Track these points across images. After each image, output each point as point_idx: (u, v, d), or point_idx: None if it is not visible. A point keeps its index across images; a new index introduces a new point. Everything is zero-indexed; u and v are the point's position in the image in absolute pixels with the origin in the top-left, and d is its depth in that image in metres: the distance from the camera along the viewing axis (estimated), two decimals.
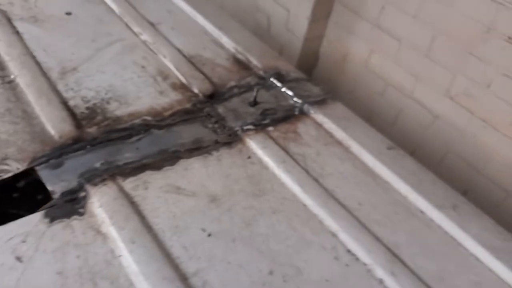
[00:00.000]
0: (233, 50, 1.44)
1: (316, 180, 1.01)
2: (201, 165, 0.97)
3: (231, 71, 1.33)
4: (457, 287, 0.86)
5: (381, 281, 0.83)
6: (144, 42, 1.34)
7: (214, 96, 1.20)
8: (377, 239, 0.91)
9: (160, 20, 1.48)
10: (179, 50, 1.35)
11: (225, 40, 1.47)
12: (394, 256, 0.87)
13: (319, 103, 1.29)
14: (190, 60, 1.32)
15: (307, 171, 1.03)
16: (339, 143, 1.17)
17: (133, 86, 1.16)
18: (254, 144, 1.06)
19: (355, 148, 1.15)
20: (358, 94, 2.37)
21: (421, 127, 2.11)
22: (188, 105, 1.14)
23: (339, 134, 1.18)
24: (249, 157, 1.03)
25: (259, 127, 1.13)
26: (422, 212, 1.01)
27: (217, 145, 1.04)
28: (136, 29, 1.38)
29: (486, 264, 0.92)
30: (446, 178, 2.04)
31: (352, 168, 1.09)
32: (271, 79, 1.34)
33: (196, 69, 1.28)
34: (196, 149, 1.01)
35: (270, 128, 1.14)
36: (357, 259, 0.86)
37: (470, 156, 1.91)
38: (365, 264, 0.85)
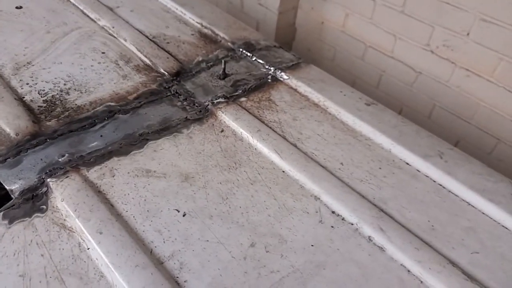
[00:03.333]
0: (198, 25, 1.38)
1: (294, 145, 0.97)
2: (171, 145, 0.92)
3: (197, 46, 1.27)
4: (450, 235, 0.82)
5: (369, 239, 0.79)
6: (102, 28, 1.27)
7: (181, 73, 1.14)
8: (362, 196, 0.87)
9: (118, 3, 1.40)
10: (140, 32, 1.28)
11: (188, 16, 1.40)
12: (381, 212, 0.84)
13: (292, 68, 1.23)
14: (153, 40, 1.25)
15: (284, 137, 0.98)
16: (315, 105, 1.12)
17: (93, 73, 1.10)
18: (227, 117, 1.01)
19: (333, 108, 1.10)
20: (339, 61, 2.33)
21: (405, 86, 2.08)
22: (154, 86, 1.08)
23: (315, 96, 1.13)
24: (222, 131, 0.98)
25: (231, 99, 1.08)
26: (407, 163, 0.97)
27: (187, 122, 0.99)
28: (93, 15, 1.31)
29: (478, 208, 0.89)
30: (435, 132, 2.02)
31: (331, 129, 1.04)
32: (240, 49, 1.28)
33: (159, 49, 1.21)
34: (165, 129, 0.96)
35: (243, 99, 1.09)
36: (343, 219, 0.82)
37: (457, 108, 1.89)
38: (351, 224, 0.81)
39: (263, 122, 1.02)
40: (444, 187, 0.93)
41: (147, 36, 1.27)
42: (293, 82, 1.17)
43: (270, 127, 1.01)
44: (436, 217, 0.85)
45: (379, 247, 0.78)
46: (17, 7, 1.30)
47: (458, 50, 1.70)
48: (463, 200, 0.90)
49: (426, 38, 1.77)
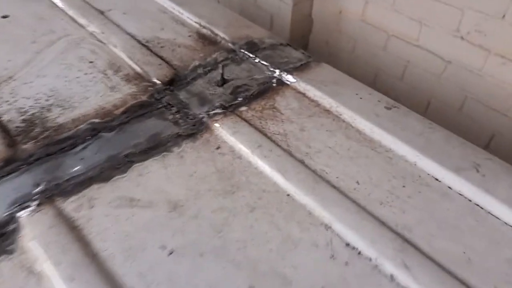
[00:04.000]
0: (196, 25, 1.26)
1: (301, 162, 0.84)
2: (159, 167, 0.81)
3: (194, 49, 1.15)
4: (490, 269, 0.68)
5: (392, 277, 0.66)
6: (92, 34, 1.17)
7: (175, 81, 1.03)
8: (383, 223, 0.73)
9: (110, 6, 1.30)
10: (132, 36, 1.17)
11: (186, 16, 1.29)
12: (405, 243, 0.70)
13: (300, 69, 1.10)
14: (146, 45, 1.14)
15: (289, 153, 0.86)
16: (327, 111, 0.98)
17: (79, 86, 1.00)
18: (224, 131, 0.89)
19: (347, 115, 0.96)
20: (359, 53, 2.17)
21: (433, 77, 1.92)
22: (144, 97, 0.97)
23: (326, 101, 0.99)
24: (218, 147, 0.86)
25: (229, 109, 0.95)
26: (436, 179, 0.82)
27: (179, 139, 0.87)
28: (82, 21, 1.21)
29: None
30: (468, 127, 1.82)
31: (345, 140, 0.90)
32: (242, 50, 1.15)
33: (152, 54, 1.10)
34: (153, 147, 0.84)
35: (243, 108, 0.96)
36: (359, 253, 0.69)
37: (492, 99, 1.71)
38: (369, 259, 0.68)
39: (265, 135, 0.89)
40: (481, 208, 0.78)
41: (139, 41, 1.16)
42: (301, 86, 1.04)
43: (274, 141, 0.88)
44: (472, 247, 0.71)
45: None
46: (3, 17, 1.21)
47: (492, 35, 1.54)
48: (506, 223, 0.75)
49: (456, 23, 1.60)
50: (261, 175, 0.81)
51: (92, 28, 1.18)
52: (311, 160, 0.85)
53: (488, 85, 1.68)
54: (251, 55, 1.13)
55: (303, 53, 1.19)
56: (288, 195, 0.78)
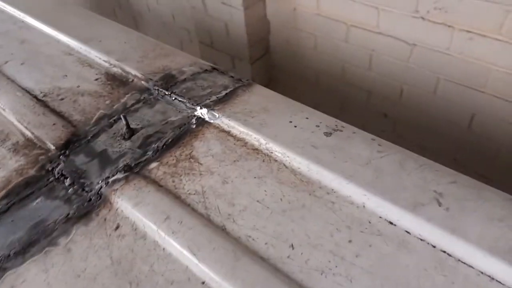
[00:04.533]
0: (105, 64, 1.08)
1: (222, 229, 0.67)
2: (39, 271, 0.64)
3: (100, 96, 0.98)
4: None
5: None
6: None
7: (72, 142, 0.85)
8: None
9: (7, 57, 1.13)
10: (28, 91, 1.00)
11: (94, 55, 1.11)
12: None
13: (225, 100, 0.93)
14: (42, 100, 0.97)
15: (208, 219, 0.69)
16: (255, 151, 0.81)
17: None
18: (124, 203, 0.72)
19: (279, 151, 0.79)
20: (321, 48, 2.03)
21: (401, 62, 1.77)
22: (32, 171, 0.80)
23: (254, 137, 0.82)
24: (117, 228, 0.69)
25: (136, 169, 0.78)
26: (390, 223, 0.66)
27: (68, 223, 0.70)
28: None
29: (508, 284, 0.57)
30: (446, 109, 1.67)
31: (277, 187, 0.73)
32: (156, 88, 0.98)
33: (47, 112, 0.93)
34: (34, 243, 0.67)
35: (153, 165, 0.79)
36: None
37: (465, 77, 1.58)
38: None
39: (179, 198, 0.72)
40: (449, 255, 0.61)
41: (35, 96, 0.98)
42: (225, 122, 0.87)
43: (189, 204, 0.71)
44: None
45: None
46: None
47: (453, 11, 1.43)
48: (482, 272, 0.59)
49: (414, 3, 1.50)
50: (169, 259, 0.64)
51: None
52: (234, 224, 0.68)
53: (458, 63, 1.55)
54: (166, 92, 0.96)
55: (231, 76, 1.02)
56: (203, 283, 0.61)
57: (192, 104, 0.92)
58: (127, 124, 0.85)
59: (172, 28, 2.63)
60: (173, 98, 0.95)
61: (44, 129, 0.88)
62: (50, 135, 0.86)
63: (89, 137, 0.86)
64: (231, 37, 2.17)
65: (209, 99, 0.93)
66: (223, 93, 0.95)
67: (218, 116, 0.88)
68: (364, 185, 0.70)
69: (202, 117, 0.90)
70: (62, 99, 0.97)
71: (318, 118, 0.87)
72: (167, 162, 0.80)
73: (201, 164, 0.79)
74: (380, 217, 0.67)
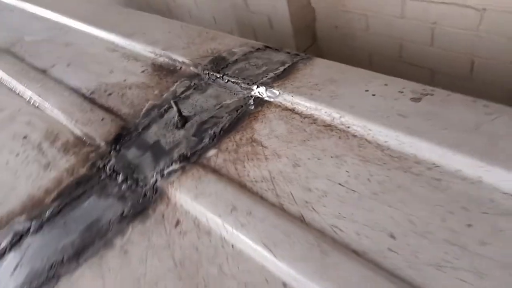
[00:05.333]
0: (151, 56, 1.01)
1: (300, 220, 0.55)
2: (95, 276, 0.55)
3: (148, 86, 0.90)
4: None
5: None
6: (28, 102, 0.96)
7: (123, 136, 0.78)
8: None
9: (54, 61, 1.09)
10: (74, 91, 0.95)
11: (138, 48, 1.05)
12: None
13: (284, 75, 0.81)
14: (90, 98, 0.91)
15: (281, 207, 0.57)
16: (328, 127, 0.68)
17: (8, 174, 0.78)
18: (184, 196, 0.62)
19: (358, 125, 0.66)
20: (375, 28, 1.87)
21: (469, 31, 1.58)
22: (83, 170, 0.73)
23: (325, 111, 0.70)
24: (177, 224, 0.59)
25: (193, 158, 0.69)
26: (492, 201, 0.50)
27: (123, 222, 0.61)
28: (19, 88, 1.01)
29: None
30: None
31: (362, 166, 0.60)
32: (206, 72, 0.89)
33: (96, 108, 0.87)
34: (87, 246, 0.59)
35: (211, 152, 0.69)
36: None
37: None
38: None
39: (245, 186, 0.61)
40: None
41: (83, 94, 0.93)
42: (288, 99, 0.75)
43: (256, 193, 0.60)
44: None
45: None
46: None
47: None
48: None
49: None
50: (240, 257, 0.53)
51: (29, 93, 0.97)
52: (314, 212, 0.55)
53: None
54: (218, 75, 0.86)
55: (288, 52, 0.90)
56: (284, 285, 0.49)
57: (248, 84, 0.81)
58: (179, 111, 0.76)
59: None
60: (226, 81, 0.85)
61: (92, 126, 0.81)
62: (99, 131, 0.79)
63: (140, 130, 0.78)
64: (276, 30, 2.07)
65: (266, 76, 0.82)
66: (281, 69, 0.84)
67: (279, 93, 0.77)
68: (478, 155, 0.55)
69: (260, 96, 0.79)
70: (109, 94, 0.91)
71: (399, 84, 0.72)
72: (227, 148, 0.69)
73: (265, 147, 0.68)
74: (505, 192, 0.52)
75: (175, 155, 0.70)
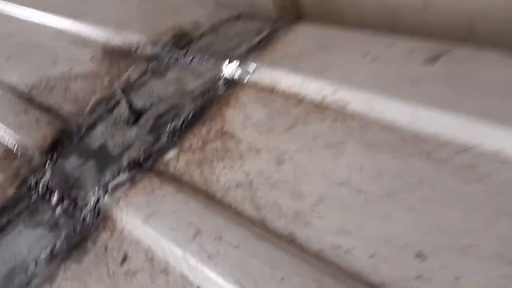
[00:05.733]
0: (102, 39, 0.84)
1: (289, 241, 0.39)
2: None
3: (96, 76, 0.74)
4: None
5: None
6: None
7: (61, 142, 0.62)
8: None
9: None
10: (10, 89, 0.78)
11: (88, 31, 0.87)
12: None
13: (262, 46, 0.64)
14: (27, 96, 0.75)
15: (262, 224, 0.41)
16: (319, 108, 0.52)
17: None
18: (133, 217, 0.46)
19: (358, 101, 0.49)
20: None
21: None
22: (11, 191, 0.57)
23: (315, 86, 0.53)
24: (124, 259, 0.43)
25: (145, 164, 0.53)
26: None
27: (53, 263, 0.46)
28: None
29: None
30: None
31: (367, 155, 0.44)
32: (164, 51, 0.72)
33: (32, 108, 0.70)
34: None
35: (170, 154, 0.53)
36: None
37: None
38: None
39: (213, 197, 0.46)
40: None
41: (20, 92, 0.76)
42: (265, 75, 0.59)
43: (229, 206, 0.44)
44: None
45: None
46: None
47: None
48: None
49: None
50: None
51: None
52: (308, 227, 0.40)
53: None
54: (179, 54, 0.70)
55: (265, 20, 0.73)
56: None
57: (216, 61, 0.65)
58: (129, 104, 0.60)
59: None
60: (190, 59, 0.68)
61: (25, 131, 0.65)
62: (33, 138, 0.63)
63: (83, 131, 0.62)
64: (257, 9, 1.87)
65: (239, 49, 0.65)
66: (257, 39, 0.67)
67: (255, 68, 0.60)
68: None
69: (231, 75, 0.62)
70: (51, 89, 0.74)
71: (406, 44, 0.56)
72: (190, 147, 0.53)
73: (239, 140, 0.52)
74: None
75: (124, 161, 0.54)
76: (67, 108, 0.68)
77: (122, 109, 0.62)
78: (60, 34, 0.92)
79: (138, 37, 0.78)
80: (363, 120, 0.49)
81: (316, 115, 0.51)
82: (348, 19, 1.81)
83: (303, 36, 0.65)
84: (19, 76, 0.81)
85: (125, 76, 0.71)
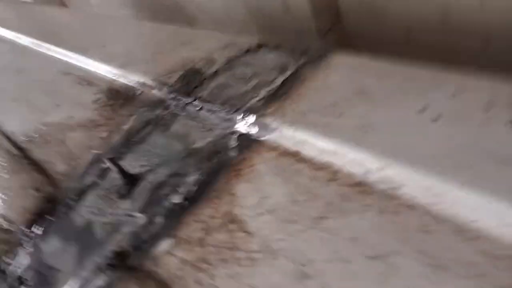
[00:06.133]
0: (107, 77, 0.74)
1: None
2: None
3: (96, 125, 0.64)
4: None
5: None
6: None
7: (45, 214, 0.52)
8: None
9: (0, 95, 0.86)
10: (7, 139, 0.70)
11: (94, 68, 0.78)
12: None
13: (285, 91, 0.51)
14: (22, 149, 0.66)
15: None
16: (359, 188, 0.38)
17: None
18: None
19: (414, 184, 0.35)
20: None
21: None
22: None
23: (352, 156, 0.39)
24: None
25: (133, 260, 0.41)
26: None
27: None
28: None
29: None
30: None
31: (420, 275, 0.30)
32: (172, 95, 0.61)
33: (23, 166, 0.61)
34: None
35: (164, 245, 0.41)
36: None
37: None
38: None
39: None
40: None
41: (15, 143, 0.68)
42: (289, 135, 0.45)
43: None
44: None
45: None
46: None
47: None
48: None
49: None
50: None
51: None
52: None
53: None
54: (187, 100, 0.58)
55: (291, 50, 0.60)
56: None
57: (229, 112, 0.52)
58: (122, 174, 0.49)
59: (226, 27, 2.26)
60: (198, 108, 0.56)
61: (7, 200, 0.56)
62: (14, 209, 0.54)
63: (71, 201, 0.52)
64: (292, 12, 1.73)
65: (256, 95, 0.52)
66: (279, 81, 0.54)
67: (275, 126, 0.47)
68: None
69: (246, 132, 0.49)
70: (47, 141, 0.65)
71: (480, 90, 0.40)
72: (189, 237, 0.41)
73: (251, 233, 0.39)
74: None
75: (108, 251, 0.43)
76: (60, 167, 0.58)
77: (115, 177, 0.51)
78: (67, 69, 0.84)
79: (143, 77, 0.67)
80: (426, 216, 0.34)
81: (355, 201, 0.37)
82: (391, 16, 1.57)
83: (337, 74, 0.51)
84: (20, 123, 0.73)
85: (126, 126, 0.60)
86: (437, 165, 0.35)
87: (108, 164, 0.48)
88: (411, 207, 0.35)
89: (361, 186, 0.38)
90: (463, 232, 0.32)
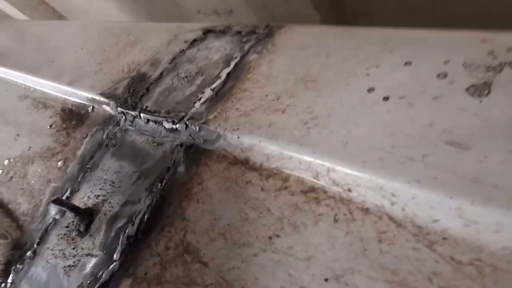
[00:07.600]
0: (61, 97, 0.70)
1: None
2: None
3: (53, 153, 0.60)
4: None
5: None
6: None
7: (12, 263, 0.50)
8: None
9: None
10: None
11: (47, 88, 0.74)
12: None
13: (229, 88, 0.46)
14: None
15: None
16: (308, 196, 0.34)
17: None
18: None
19: (367, 183, 0.31)
20: None
21: None
22: None
23: (299, 162, 0.35)
24: None
25: None
26: None
27: None
28: None
29: None
30: None
31: None
32: (119, 111, 0.56)
33: None
34: None
35: (124, 286, 0.39)
36: None
37: None
38: None
39: None
40: None
41: None
42: (234, 141, 0.41)
43: None
44: None
45: None
46: None
47: None
48: None
49: None
50: None
51: None
52: None
53: None
54: (134, 113, 0.54)
55: (238, 32, 0.54)
56: None
57: (174, 122, 0.48)
58: (75, 211, 0.46)
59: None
60: (145, 121, 0.52)
61: None
62: None
63: (35, 246, 0.50)
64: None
65: (201, 98, 0.48)
66: (223, 75, 0.48)
67: (220, 132, 0.42)
68: None
69: (193, 143, 0.45)
70: (10, 178, 0.63)
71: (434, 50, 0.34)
72: (145, 275, 0.38)
73: (205, 263, 0.36)
74: None
75: None
76: (23, 207, 0.56)
77: (70, 216, 0.48)
78: (24, 92, 0.80)
79: (91, 92, 0.63)
80: (382, 219, 0.30)
81: (308, 211, 0.33)
82: None
83: (282, 57, 0.45)
84: None
85: (80, 152, 0.56)
86: (390, 158, 0.31)
87: (57, 207, 0.46)
88: (366, 211, 0.31)
89: (312, 192, 0.34)
90: (424, 236, 0.28)
